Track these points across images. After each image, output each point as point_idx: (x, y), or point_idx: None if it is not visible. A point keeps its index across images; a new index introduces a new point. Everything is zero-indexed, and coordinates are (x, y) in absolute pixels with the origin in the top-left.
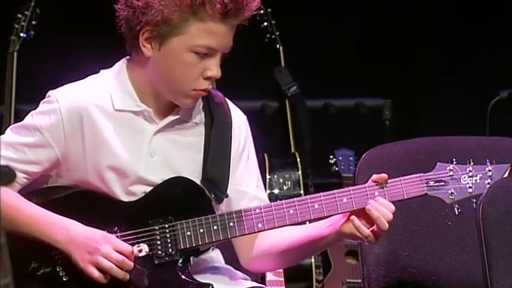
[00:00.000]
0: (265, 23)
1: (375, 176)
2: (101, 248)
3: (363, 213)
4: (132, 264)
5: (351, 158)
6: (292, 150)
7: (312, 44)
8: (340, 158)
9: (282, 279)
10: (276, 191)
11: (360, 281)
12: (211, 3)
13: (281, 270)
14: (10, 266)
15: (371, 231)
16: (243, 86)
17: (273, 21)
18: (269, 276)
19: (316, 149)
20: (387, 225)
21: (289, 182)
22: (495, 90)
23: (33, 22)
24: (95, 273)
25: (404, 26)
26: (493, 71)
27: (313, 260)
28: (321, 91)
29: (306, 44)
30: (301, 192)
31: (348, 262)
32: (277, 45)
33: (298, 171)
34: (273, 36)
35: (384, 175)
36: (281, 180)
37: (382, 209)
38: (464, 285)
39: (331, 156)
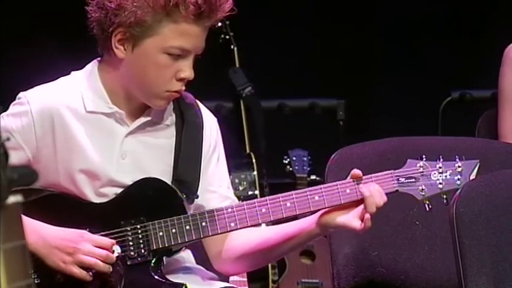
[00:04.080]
0: (220, 24)
1: (354, 171)
2: (80, 246)
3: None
4: (114, 257)
5: (305, 158)
6: (247, 151)
7: (267, 45)
8: (294, 158)
9: (245, 279)
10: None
11: (315, 281)
12: (185, 5)
13: None
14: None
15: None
16: (198, 87)
17: (227, 22)
18: (232, 277)
19: (270, 149)
20: (374, 209)
21: (244, 183)
22: (447, 91)
23: None
24: (81, 273)
25: (357, 27)
26: (444, 72)
27: None
28: (276, 92)
29: (260, 44)
30: (257, 192)
31: (302, 262)
32: (232, 46)
33: (253, 171)
34: (227, 37)
35: (359, 172)
36: (237, 180)
37: (377, 196)
38: (433, 284)
39: (285, 157)
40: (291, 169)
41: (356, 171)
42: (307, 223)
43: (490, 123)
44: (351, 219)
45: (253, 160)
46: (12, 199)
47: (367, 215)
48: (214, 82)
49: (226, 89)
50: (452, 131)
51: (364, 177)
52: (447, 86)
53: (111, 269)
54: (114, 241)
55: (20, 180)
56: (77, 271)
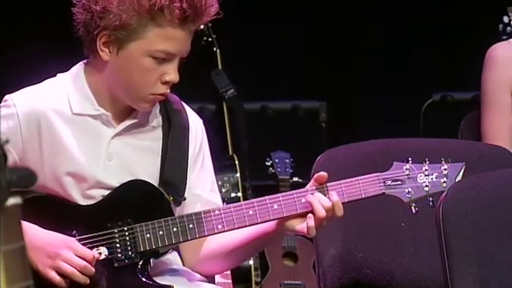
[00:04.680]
0: (202, 26)
1: (316, 175)
2: (61, 252)
3: None
4: (93, 269)
5: (287, 160)
6: (230, 153)
7: (249, 47)
8: (277, 160)
9: (230, 281)
10: None
11: (298, 282)
12: (170, 9)
13: (229, 272)
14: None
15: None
16: (180, 89)
17: (210, 24)
18: (217, 279)
19: (253, 151)
20: (324, 212)
21: (227, 184)
22: (428, 93)
23: None
24: (56, 278)
25: (339, 30)
26: (426, 75)
27: (252, 262)
28: (258, 94)
29: (243, 46)
30: (240, 194)
31: (285, 264)
32: (214, 48)
33: (236, 173)
34: (210, 39)
35: (324, 173)
36: (219, 182)
37: (322, 197)
38: (418, 285)
39: (267, 159)
40: (273, 171)
41: (319, 174)
42: (268, 224)
43: (472, 125)
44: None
45: (236, 162)
46: (12, 201)
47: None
48: (197, 84)
49: (209, 91)
50: (434, 133)
51: (350, 179)
52: (429, 89)
53: (87, 281)
54: (97, 255)
55: (19, 182)
56: (53, 276)
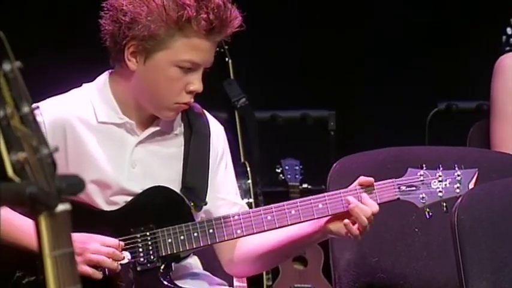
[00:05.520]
0: None
1: (362, 178)
2: (88, 246)
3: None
4: (121, 255)
5: (297, 167)
6: (242, 160)
7: (260, 58)
8: (287, 167)
9: (245, 284)
10: None
11: (307, 285)
12: (197, 20)
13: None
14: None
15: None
16: (194, 98)
17: None
18: (235, 282)
19: (264, 158)
20: (367, 222)
21: (240, 191)
22: (433, 102)
23: None
24: (89, 271)
25: (345, 40)
26: (431, 85)
27: None
28: (269, 103)
29: (254, 57)
30: (251, 200)
31: (295, 268)
32: (226, 59)
33: (248, 179)
34: (222, 50)
35: (371, 179)
36: None
37: (363, 208)
38: None
39: (278, 166)
40: (283, 178)
41: (363, 179)
42: (310, 228)
43: (481, 134)
44: (342, 226)
45: (248, 169)
46: (61, 207)
47: (347, 221)
48: (210, 93)
49: (221, 100)
50: (440, 141)
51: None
52: (434, 98)
53: (119, 267)
54: (122, 243)
55: (68, 189)
56: (86, 270)
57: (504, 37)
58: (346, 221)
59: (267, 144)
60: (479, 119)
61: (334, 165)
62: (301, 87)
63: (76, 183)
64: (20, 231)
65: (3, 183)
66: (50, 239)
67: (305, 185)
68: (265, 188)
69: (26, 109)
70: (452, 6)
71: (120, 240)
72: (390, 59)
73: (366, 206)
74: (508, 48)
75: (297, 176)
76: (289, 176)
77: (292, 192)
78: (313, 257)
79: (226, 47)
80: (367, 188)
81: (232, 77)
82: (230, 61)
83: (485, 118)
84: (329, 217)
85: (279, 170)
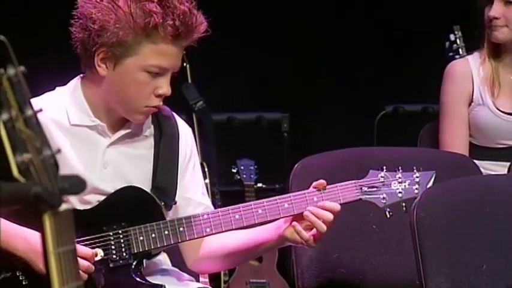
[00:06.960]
0: None
1: (315, 183)
2: None
3: (303, 218)
4: (93, 267)
5: (252, 168)
6: (200, 161)
7: (217, 62)
8: (242, 167)
9: (207, 280)
10: None
11: (263, 280)
12: (164, 27)
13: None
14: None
15: (311, 234)
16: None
17: None
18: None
19: (220, 159)
20: (325, 227)
21: None
22: (381, 105)
23: None
24: None
25: (299, 45)
26: (379, 89)
27: None
28: (225, 106)
29: (210, 61)
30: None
31: (250, 264)
32: (184, 64)
33: (206, 179)
34: None
35: (323, 181)
36: None
37: (319, 212)
38: (388, 283)
39: (233, 166)
40: (239, 177)
41: (315, 183)
42: (270, 234)
43: (430, 134)
44: (301, 230)
45: (206, 169)
46: (64, 206)
47: (315, 232)
48: (169, 97)
49: (179, 103)
50: (387, 142)
51: (329, 186)
52: (382, 101)
53: (86, 277)
54: (96, 251)
55: (71, 189)
56: None
57: (447, 43)
58: (294, 223)
59: (224, 145)
60: (424, 121)
61: (296, 165)
62: (257, 91)
63: (78, 183)
64: None
65: (10, 183)
66: (53, 237)
67: (260, 184)
68: (222, 188)
69: (29, 112)
70: (400, 14)
71: (93, 238)
72: (342, 64)
73: (325, 209)
74: (451, 54)
75: (252, 176)
76: (244, 176)
77: (247, 191)
78: (267, 254)
79: (184, 51)
80: (323, 189)
81: (190, 81)
82: (188, 66)
83: (433, 120)
84: (287, 225)
85: (234, 170)
